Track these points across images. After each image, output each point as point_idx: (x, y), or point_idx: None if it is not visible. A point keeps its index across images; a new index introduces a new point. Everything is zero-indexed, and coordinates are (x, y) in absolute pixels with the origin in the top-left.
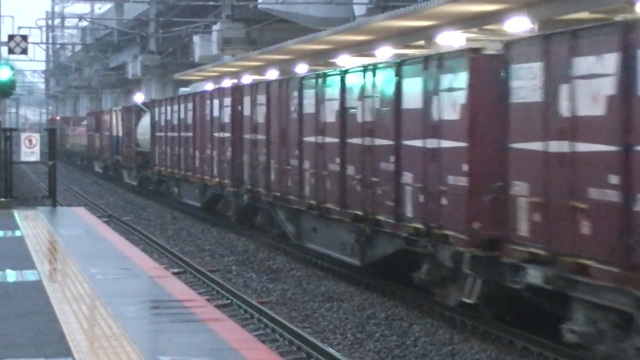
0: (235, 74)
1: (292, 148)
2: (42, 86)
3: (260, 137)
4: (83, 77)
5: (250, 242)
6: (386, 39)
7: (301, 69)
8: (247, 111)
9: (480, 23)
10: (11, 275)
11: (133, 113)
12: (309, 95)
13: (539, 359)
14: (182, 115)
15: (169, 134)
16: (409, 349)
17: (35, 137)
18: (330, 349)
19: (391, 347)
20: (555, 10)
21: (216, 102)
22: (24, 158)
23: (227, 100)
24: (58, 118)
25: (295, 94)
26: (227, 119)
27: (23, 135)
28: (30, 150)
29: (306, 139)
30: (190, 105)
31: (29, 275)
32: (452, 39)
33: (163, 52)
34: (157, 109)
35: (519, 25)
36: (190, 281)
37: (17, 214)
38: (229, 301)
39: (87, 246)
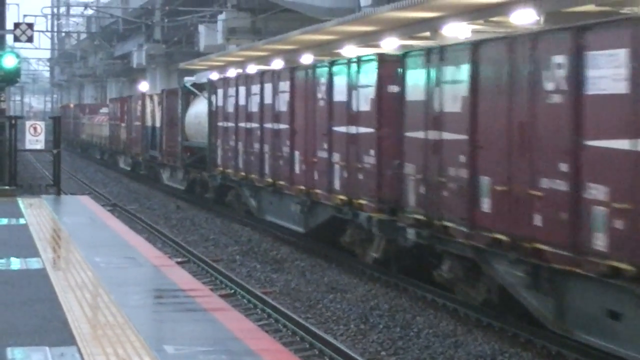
0: (241, 64)
1: (549, 157)
2: (47, 74)
3: (454, 136)
4: (88, 66)
5: (254, 232)
6: (392, 30)
7: (306, 59)
8: (415, 94)
9: (486, 15)
10: (15, 263)
11: (179, 97)
12: (606, 60)
13: (542, 352)
14: (266, 100)
15: (242, 124)
16: (412, 340)
17: (40, 125)
18: (334, 340)
19: (394, 338)
20: (561, 3)
21: (341, 80)
22: (28, 146)
23: (367, 78)
24: (72, 105)
25: (560, 59)
26: (365, 106)
27: (28, 123)
28: (35, 138)
29: (596, 143)
30: (284, 85)
31: (33, 263)
32: (457, 31)
33: (168, 41)
34: (220, 91)
35: (525, 17)
36: (194, 270)
37: (21, 201)
38: (233, 291)
39: (91, 234)
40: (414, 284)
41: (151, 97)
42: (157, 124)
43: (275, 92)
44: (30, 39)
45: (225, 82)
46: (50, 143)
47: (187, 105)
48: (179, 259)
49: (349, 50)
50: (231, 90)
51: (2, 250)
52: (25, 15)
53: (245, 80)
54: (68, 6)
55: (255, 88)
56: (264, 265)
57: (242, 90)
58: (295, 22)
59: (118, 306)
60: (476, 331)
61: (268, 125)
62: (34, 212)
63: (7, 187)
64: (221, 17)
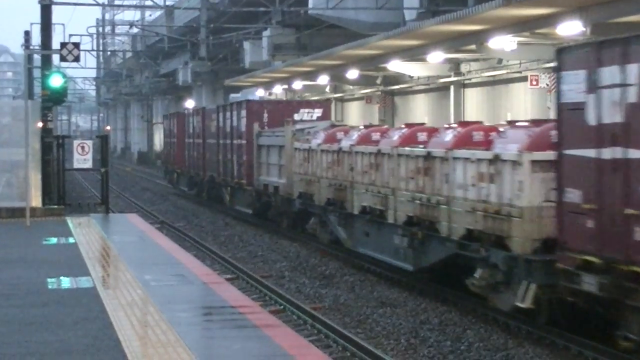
0: (286, 80)
1: None
2: (93, 93)
3: None
4: (134, 84)
5: (302, 248)
6: (437, 44)
7: (352, 74)
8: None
9: (532, 27)
10: (66, 282)
11: None
12: None
13: None
14: None
15: None
16: (462, 355)
17: (88, 144)
18: (384, 355)
19: (445, 352)
20: (608, 14)
21: None
22: (76, 165)
23: None
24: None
25: None
26: None
27: (75, 142)
28: (82, 157)
29: None
30: None
31: (84, 282)
32: (503, 43)
33: (213, 59)
34: None
35: (571, 28)
36: (243, 287)
37: (70, 220)
38: (282, 307)
39: (140, 253)
40: (464, 297)
41: None
42: None
43: None
44: (76, 59)
45: None
46: (98, 162)
47: None
48: (228, 276)
49: (395, 65)
50: None
51: (53, 270)
52: (71, 35)
53: None
54: (113, 25)
55: None
56: (312, 280)
57: None
58: (340, 38)
59: (169, 324)
60: (527, 344)
61: None
62: (83, 231)
63: (56, 206)
64: (266, 33)
